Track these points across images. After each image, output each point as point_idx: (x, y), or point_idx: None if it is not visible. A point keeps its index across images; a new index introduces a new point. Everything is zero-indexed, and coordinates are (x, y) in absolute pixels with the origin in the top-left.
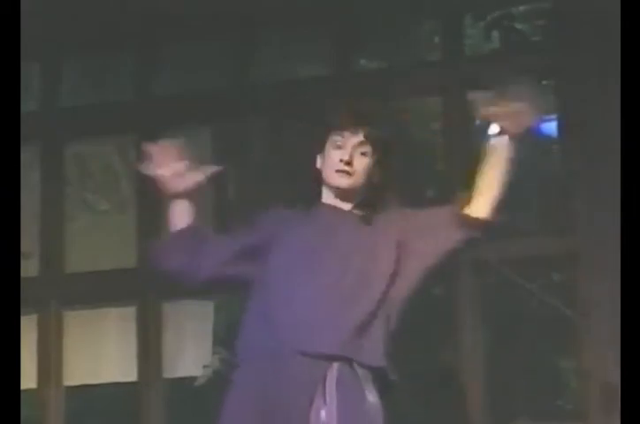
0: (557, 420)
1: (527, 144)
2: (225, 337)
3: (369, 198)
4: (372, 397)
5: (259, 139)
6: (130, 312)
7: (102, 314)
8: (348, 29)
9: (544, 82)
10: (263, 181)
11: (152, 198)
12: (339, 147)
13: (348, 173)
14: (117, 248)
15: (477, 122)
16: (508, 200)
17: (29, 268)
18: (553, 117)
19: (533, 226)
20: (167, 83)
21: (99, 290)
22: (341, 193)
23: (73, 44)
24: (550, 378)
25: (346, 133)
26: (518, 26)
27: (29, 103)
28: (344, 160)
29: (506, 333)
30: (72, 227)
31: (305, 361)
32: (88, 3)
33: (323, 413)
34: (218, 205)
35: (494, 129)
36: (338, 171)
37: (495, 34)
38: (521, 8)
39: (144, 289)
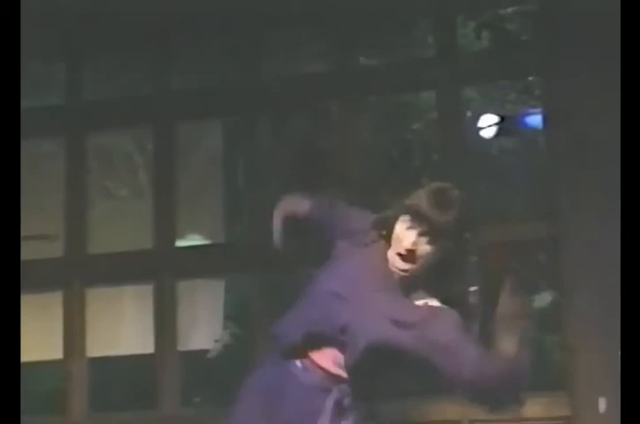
0: (541, 389)
1: (514, 135)
2: (235, 314)
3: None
4: None
5: (266, 130)
6: (147, 290)
7: (121, 291)
8: (350, 30)
9: (530, 78)
10: (270, 169)
11: (167, 185)
12: (409, 229)
13: (409, 260)
14: (134, 231)
15: (469, 114)
16: (498, 188)
17: (55, 249)
18: (539, 110)
19: (521, 211)
20: (182, 79)
21: (119, 269)
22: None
23: (95, 42)
24: (535, 351)
25: (418, 218)
26: (506, 26)
27: (54, 98)
28: (408, 249)
29: None
30: (94, 212)
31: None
32: (109, 3)
33: None
34: (230, 190)
35: (485, 121)
36: (400, 255)
37: (485, 33)
38: (510, 9)
39: (160, 269)
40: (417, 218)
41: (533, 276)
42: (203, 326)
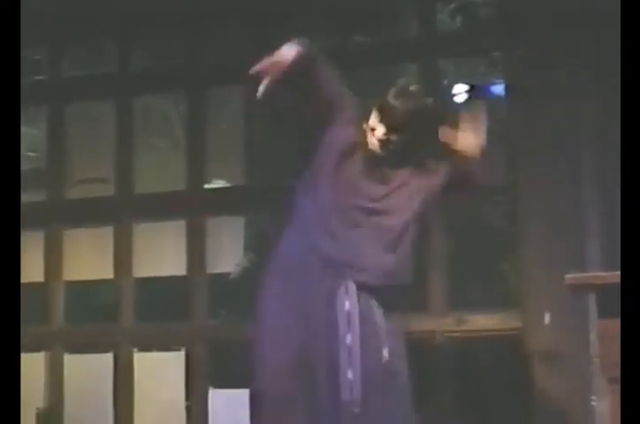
0: (499, 305)
1: (482, 101)
2: (251, 243)
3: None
4: (378, 317)
5: (277, 94)
6: (181, 224)
7: (160, 225)
8: (348, 14)
9: (495, 54)
10: (280, 125)
11: (197, 139)
12: (380, 121)
13: (383, 145)
14: (171, 176)
15: (445, 83)
16: None
17: (107, 190)
18: (501, 81)
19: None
20: (210, 52)
21: (158, 207)
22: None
23: (139, 21)
24: (494, 276)
25: (385, 110)
26: (476, 11)
27: (108, 68)
28: (380, 139)
29: (463, 241)
30: (139, 160)
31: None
32: None
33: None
34: (248, 143)
35: (458, 89)
36: (379, 140)
37: (459, 17)
38: None
39: (191, 207)
40: (385, 112)
41: (495, 216)
42: (227, 253)
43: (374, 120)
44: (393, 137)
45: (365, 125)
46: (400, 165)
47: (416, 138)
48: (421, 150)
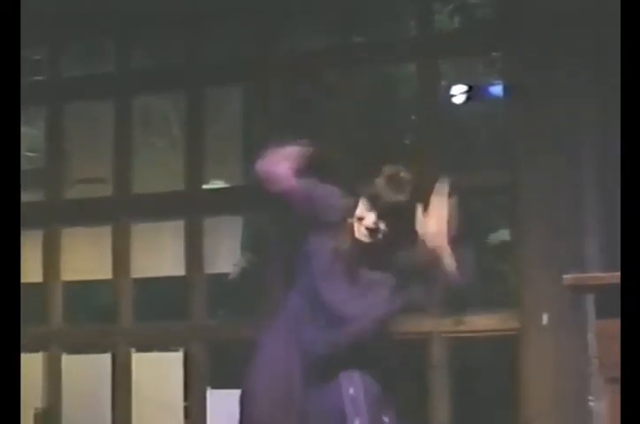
0: (498, 306)
1: (480, 102)
2: (249, 244)
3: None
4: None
5: (277, 93)
6: (179, 224)
7: (159, 225)
8: (348, 14)
9: (493, 54)
10: (280, 126)
11: (196, 138)
12: (369, 210)
13: (372, 235)
14: (170, 176)
15: (443, 83)
16: (467, 144)
17: (105, 190)
18: (500, 81)
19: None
20: (209, 52)
21: (157, 207)
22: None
23: (139, 22)
24: (493, 276)
25: (376, 201)
26: (474, 11)
27: (108, 67)
28: (369, 227)
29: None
30: (138, 160)
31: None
32: None
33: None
34: (247, 143)
35: (457, 90)
36: (369, 229)
37: (457, 17)
38: None
39: (190, 207)
40: (375, 201)
41: (494, 216)
42: (225, 253)
43: (362, 209)
44: (383, 225)
45: (350, 219)
46: (381, 263)
47: (406, 225)
48: (409, 238)
